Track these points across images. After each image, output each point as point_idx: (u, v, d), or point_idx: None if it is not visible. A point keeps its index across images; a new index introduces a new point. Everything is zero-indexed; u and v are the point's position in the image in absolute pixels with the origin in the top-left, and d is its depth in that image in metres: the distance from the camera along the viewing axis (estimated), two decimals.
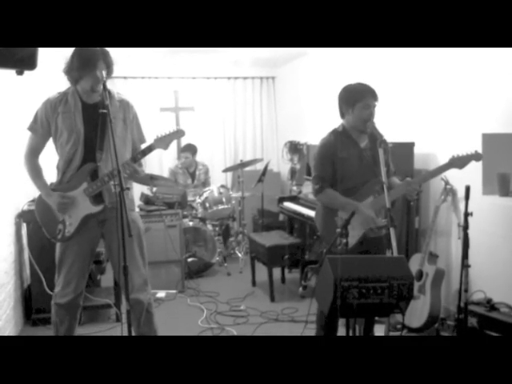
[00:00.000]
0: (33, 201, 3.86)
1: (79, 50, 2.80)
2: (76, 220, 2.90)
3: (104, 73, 2.73)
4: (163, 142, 2.88)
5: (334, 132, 3.22)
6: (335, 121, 3.28)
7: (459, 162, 2.99)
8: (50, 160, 3.09)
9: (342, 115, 3.21)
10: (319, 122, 6.26)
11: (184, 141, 6.71)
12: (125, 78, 7.33)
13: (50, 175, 3.03)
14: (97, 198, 2.92)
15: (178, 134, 2.94)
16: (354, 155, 3.14)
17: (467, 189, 3.34)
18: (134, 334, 2.69)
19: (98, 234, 3.02)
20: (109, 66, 2.84)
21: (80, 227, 2.91)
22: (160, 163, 7.55)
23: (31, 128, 2.95)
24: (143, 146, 3.01)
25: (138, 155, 2.89)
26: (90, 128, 2.88)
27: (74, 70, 2.80)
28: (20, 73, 2.25)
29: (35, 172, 2.98)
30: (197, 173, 6.61)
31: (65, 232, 2.90)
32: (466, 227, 3.33)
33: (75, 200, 2.90)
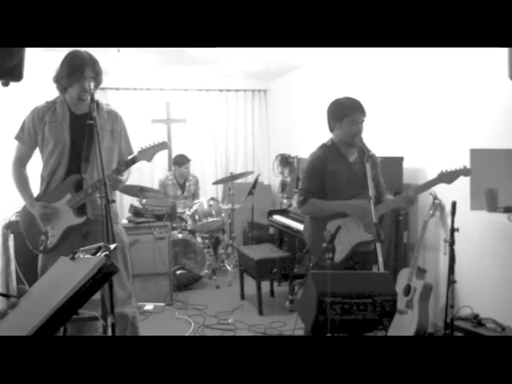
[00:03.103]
0: None
1: (69, 57, 2.80)
2: (58, 231, 2.88)
3: (92, 85, 2.71)
4: (147, 154, 2.89)
5: (323, 146, 3.22)
6: (326, 134, 3.29)
7: (448, 177, 3.00)
8: (35, 169, 3.06)
9: (331, 129, 3.22)
10: (310, 135, 6.29)
11: (175, 152, 6.70)
12: (117, 89, 7.34)
13: (36, 184, 3.00)
14: (80, 210, 2.90)
15: (162, 146, 2.94)
16: (342, 169, 3.14)
17: (453, 204, 3.35)
18: None
19: (81, 247, 2.98)
20: (97, 75, 2.83)
21: (62, 239, 2.89)
22: (151, 175, 7.54)
23: (18, 137, 2.94)
24: None
25: (122, 167, 2.88)
26: (76, 139, 2.87)
27: (63, 77, 2.80)
28: (5, 84, 2.23)
29: (21, 181, 2.96)
30: (187, 184, 6.58)
31: (47, 243, 2.89)
32: (452, 243, 3.34)
33: (58, 211, 2.88)
